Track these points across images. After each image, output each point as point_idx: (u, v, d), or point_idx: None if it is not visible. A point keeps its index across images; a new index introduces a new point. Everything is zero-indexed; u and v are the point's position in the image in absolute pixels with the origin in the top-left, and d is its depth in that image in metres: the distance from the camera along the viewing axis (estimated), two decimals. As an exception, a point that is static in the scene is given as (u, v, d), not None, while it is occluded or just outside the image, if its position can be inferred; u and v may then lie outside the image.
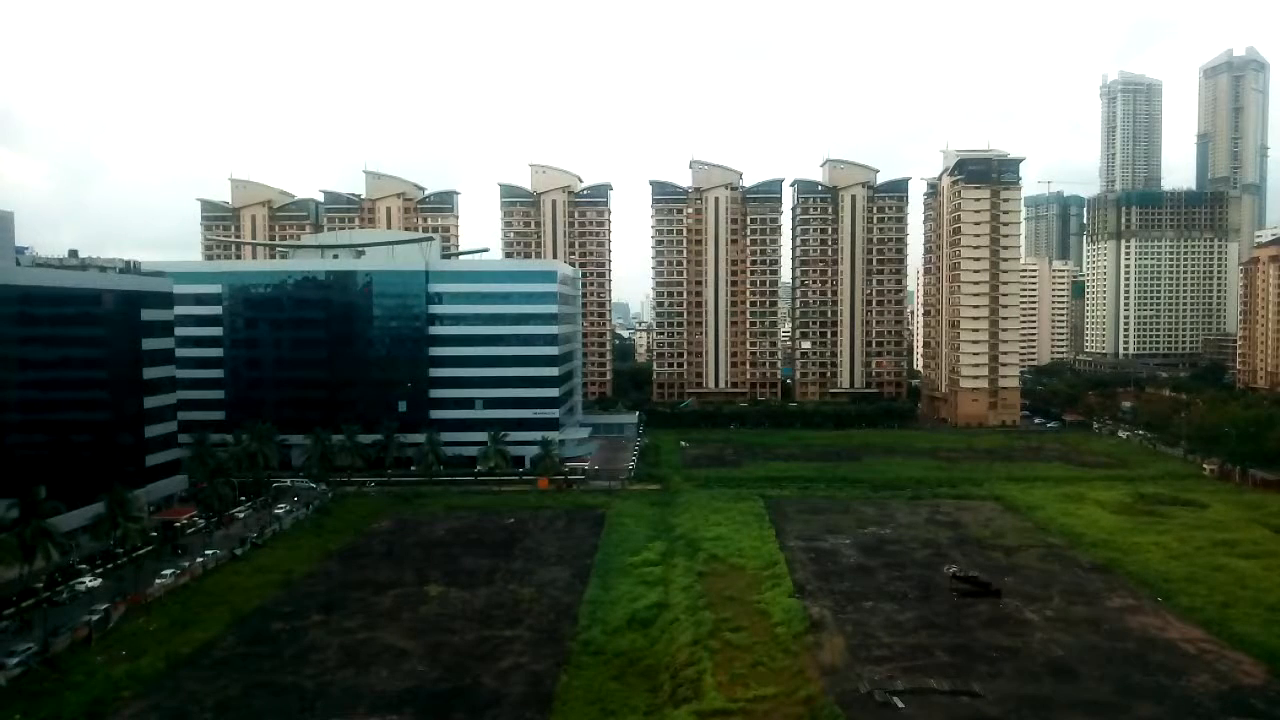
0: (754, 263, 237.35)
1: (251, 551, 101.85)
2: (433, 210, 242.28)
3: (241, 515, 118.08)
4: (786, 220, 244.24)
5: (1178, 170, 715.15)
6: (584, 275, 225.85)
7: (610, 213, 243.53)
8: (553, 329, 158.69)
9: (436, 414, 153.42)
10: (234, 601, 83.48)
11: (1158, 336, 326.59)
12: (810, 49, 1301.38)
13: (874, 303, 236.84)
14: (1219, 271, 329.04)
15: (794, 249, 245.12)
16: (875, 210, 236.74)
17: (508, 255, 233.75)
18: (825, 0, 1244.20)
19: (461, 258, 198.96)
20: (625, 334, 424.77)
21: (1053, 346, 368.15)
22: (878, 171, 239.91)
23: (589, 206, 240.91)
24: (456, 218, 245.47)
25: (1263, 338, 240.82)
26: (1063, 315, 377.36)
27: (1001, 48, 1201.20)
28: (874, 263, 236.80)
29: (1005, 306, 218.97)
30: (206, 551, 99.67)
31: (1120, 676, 64.82)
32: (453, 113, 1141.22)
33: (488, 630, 76.32)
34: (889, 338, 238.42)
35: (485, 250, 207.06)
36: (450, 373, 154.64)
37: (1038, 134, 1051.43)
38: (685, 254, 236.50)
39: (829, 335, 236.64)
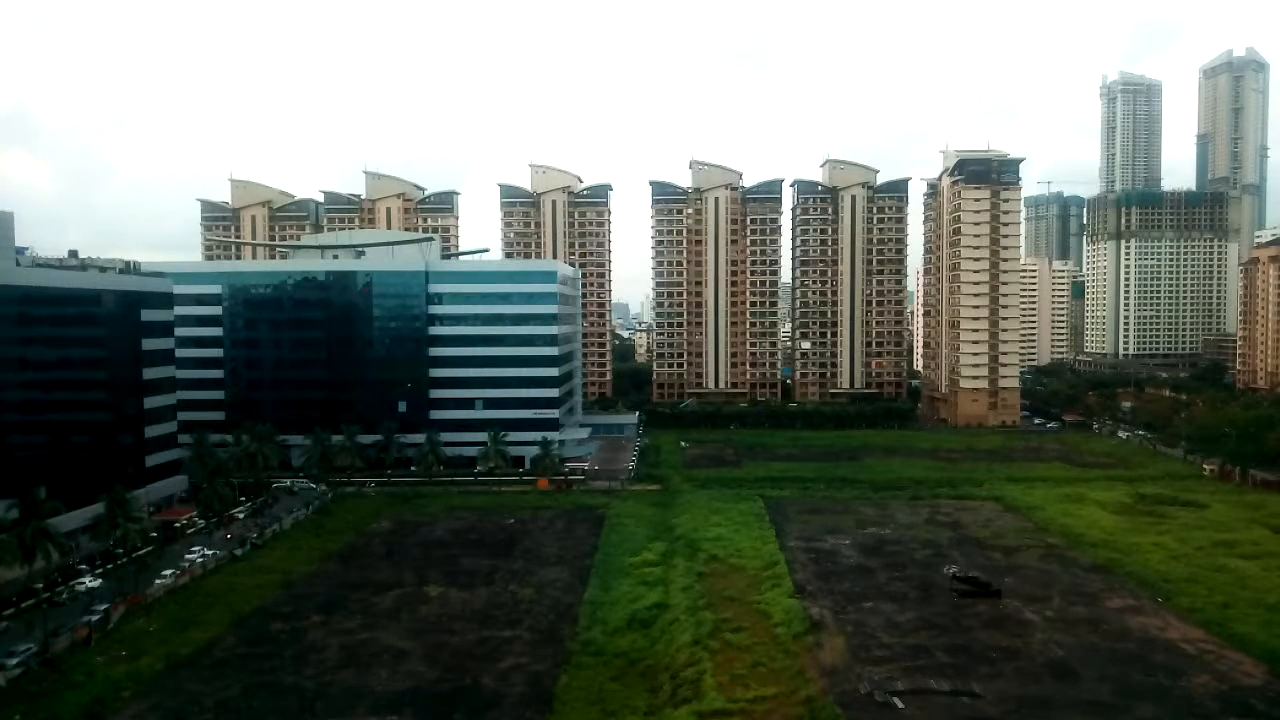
0: (754, 263, 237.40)
1: (251, 552, 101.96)
2: (433, 210, 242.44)
3: (241, 516, 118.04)
4: (786, 220, 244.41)
5: (1178, 170, 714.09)
6: (584, 275, 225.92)
7: (610, 213, 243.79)
8: (553, 329, 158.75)
9: (436, 414, 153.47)
10: (234, 602, 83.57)
11: (1158, 337, 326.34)
12: (811, 49, 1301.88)
13: (874, 303, 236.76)
14: (1219, 272, 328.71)
15: (794, 249, 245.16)
16: (875, 210, 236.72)
17: (508, 255, 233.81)
18: (826, 1, 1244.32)
19: (461, 258, 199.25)
20: (625, 334, 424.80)
21: (1053, 346, 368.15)
22: (878, 172, 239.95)
23: (589, 207, 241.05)
24: (456, 218, 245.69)
25: (1263, 338, 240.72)
26: (1063, 315, 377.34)
27: (1003, 48, 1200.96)
28: (874, 263, 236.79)
29: (1005, 306, 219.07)
30: (206, 551, 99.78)
31: (1120, 677, 64.84)
32: (453, 113, 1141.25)
33: (487, 630, 76.38)
34: (889, 338, 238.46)
35: (485, 250, 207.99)
36: (450, 373, 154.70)
37: (1038, 134, 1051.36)
38: (685, 254, 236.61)
39: (829, 335, 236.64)
